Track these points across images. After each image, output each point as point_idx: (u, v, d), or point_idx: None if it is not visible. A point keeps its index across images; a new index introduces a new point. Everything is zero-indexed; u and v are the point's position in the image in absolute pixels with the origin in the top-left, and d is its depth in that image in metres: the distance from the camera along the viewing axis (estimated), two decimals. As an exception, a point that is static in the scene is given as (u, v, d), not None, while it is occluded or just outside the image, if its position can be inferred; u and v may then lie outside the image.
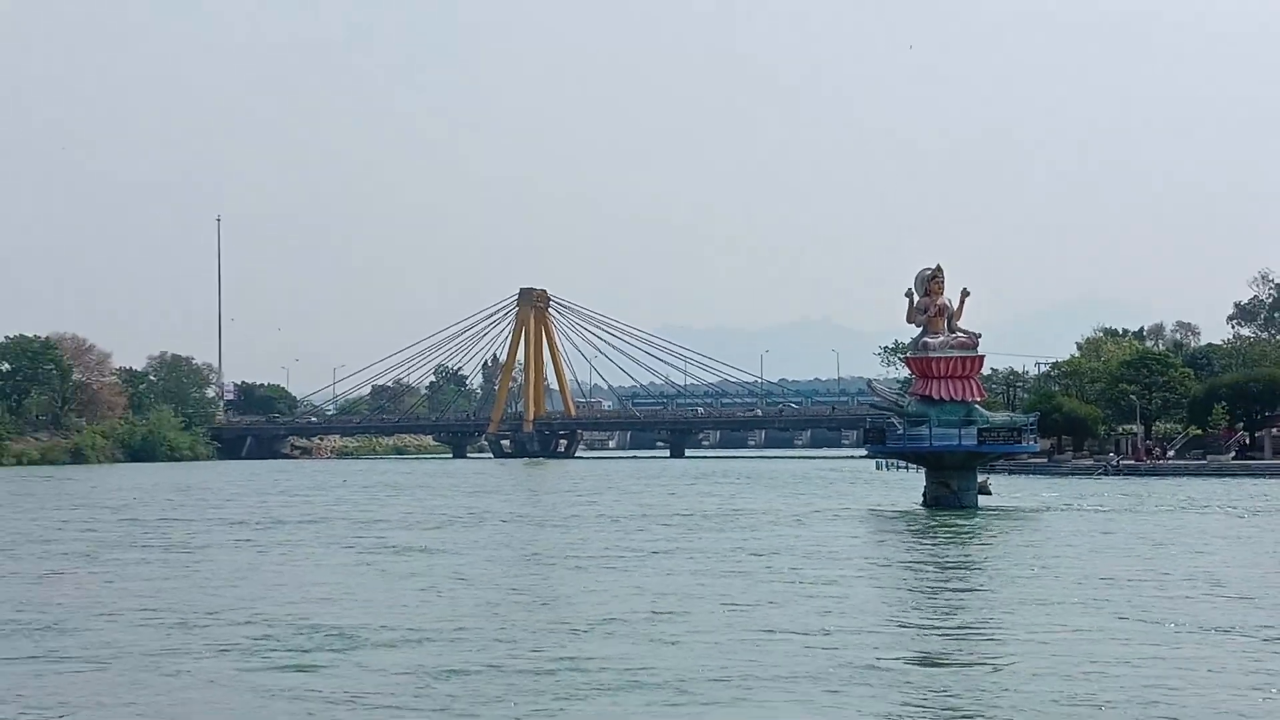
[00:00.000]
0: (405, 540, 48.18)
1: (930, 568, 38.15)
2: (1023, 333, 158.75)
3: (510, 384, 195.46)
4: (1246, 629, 24.75)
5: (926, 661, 22.23)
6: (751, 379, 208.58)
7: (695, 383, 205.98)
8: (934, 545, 45.15)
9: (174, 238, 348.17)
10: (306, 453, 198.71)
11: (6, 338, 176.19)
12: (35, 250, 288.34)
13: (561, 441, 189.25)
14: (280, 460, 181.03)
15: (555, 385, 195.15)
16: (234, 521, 58.64)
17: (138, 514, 64.28)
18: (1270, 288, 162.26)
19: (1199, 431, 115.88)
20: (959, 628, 26.46)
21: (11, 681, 20.96)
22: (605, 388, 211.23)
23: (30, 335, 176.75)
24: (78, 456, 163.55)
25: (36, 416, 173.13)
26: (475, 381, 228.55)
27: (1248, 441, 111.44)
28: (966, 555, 42.04)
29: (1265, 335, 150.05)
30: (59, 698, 19.94)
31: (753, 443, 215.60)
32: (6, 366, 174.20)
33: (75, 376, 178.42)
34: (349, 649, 23.09)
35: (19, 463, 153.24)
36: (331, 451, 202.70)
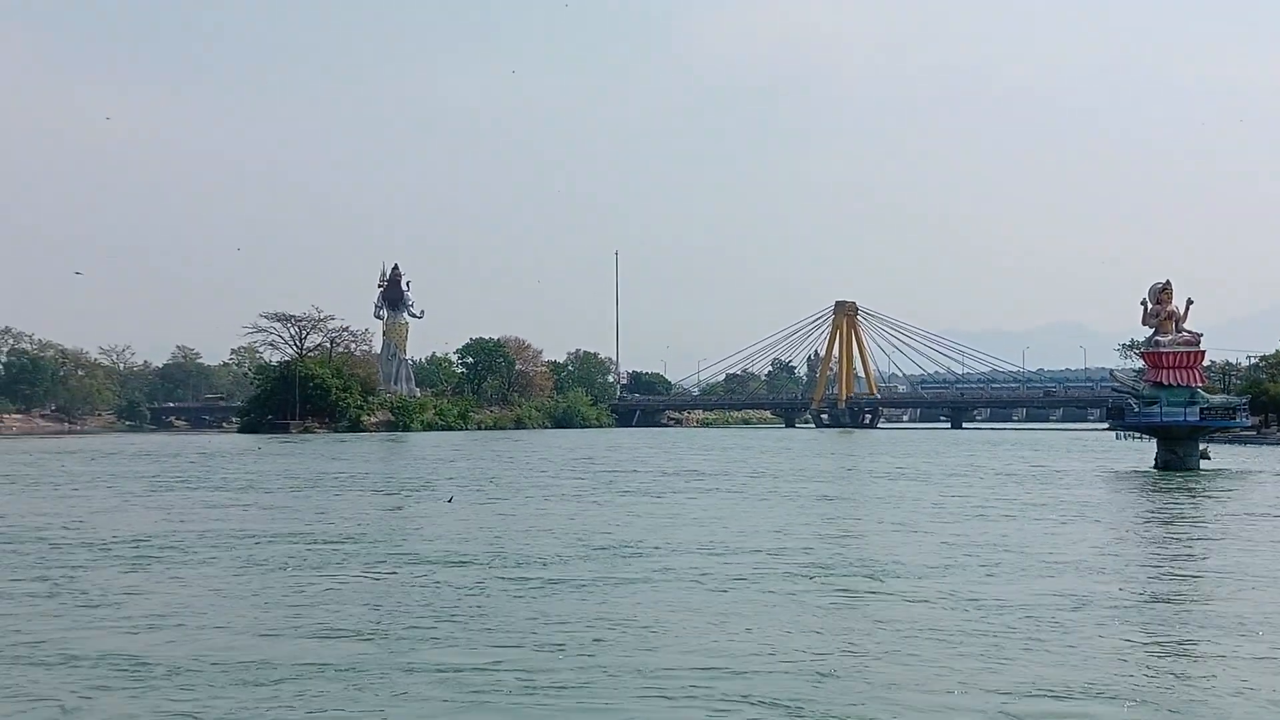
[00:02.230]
0: (808, 490, 46.79)
1: (1165, 514, 37.29)
2: (1236, 332, 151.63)
3: (828, 372, 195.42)
4: None
5: (1173, 587, 21.51)
6: (1015, 369, 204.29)
7: (970, 371, 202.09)
8: (1167, 497, 43.80)
9: (588, 262, 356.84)
10: (678, 422, 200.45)
11: (471, 339, 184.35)
12: (492, 274, 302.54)
13: (866, 416, 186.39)
14: (660, 428, 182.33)
15: (862, 373, 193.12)
16: (669, 473, 58.11)
17: (594, 467, 64.23)
18: None
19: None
20: (1193, 557, 26.04)
21: (644, 601, 19.48)
22: (900, 374, 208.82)
23: (487, 338, 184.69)
24: (519, 424, 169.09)
25: (490, 395, 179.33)
26: (801, 370, 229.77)
27: None
28: (1194, 504, 40.88)
29: None
30: (688, 609, 18.54)
31: (1016, 418, 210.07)
32: (471, 360, 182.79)
33: (518, 367, 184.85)
34: (878, 576, 21.95)
35: (479, 428, 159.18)
36: (696, 422, 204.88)
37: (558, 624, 17.06)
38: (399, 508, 39.08)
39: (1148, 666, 14.72)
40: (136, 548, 26.82)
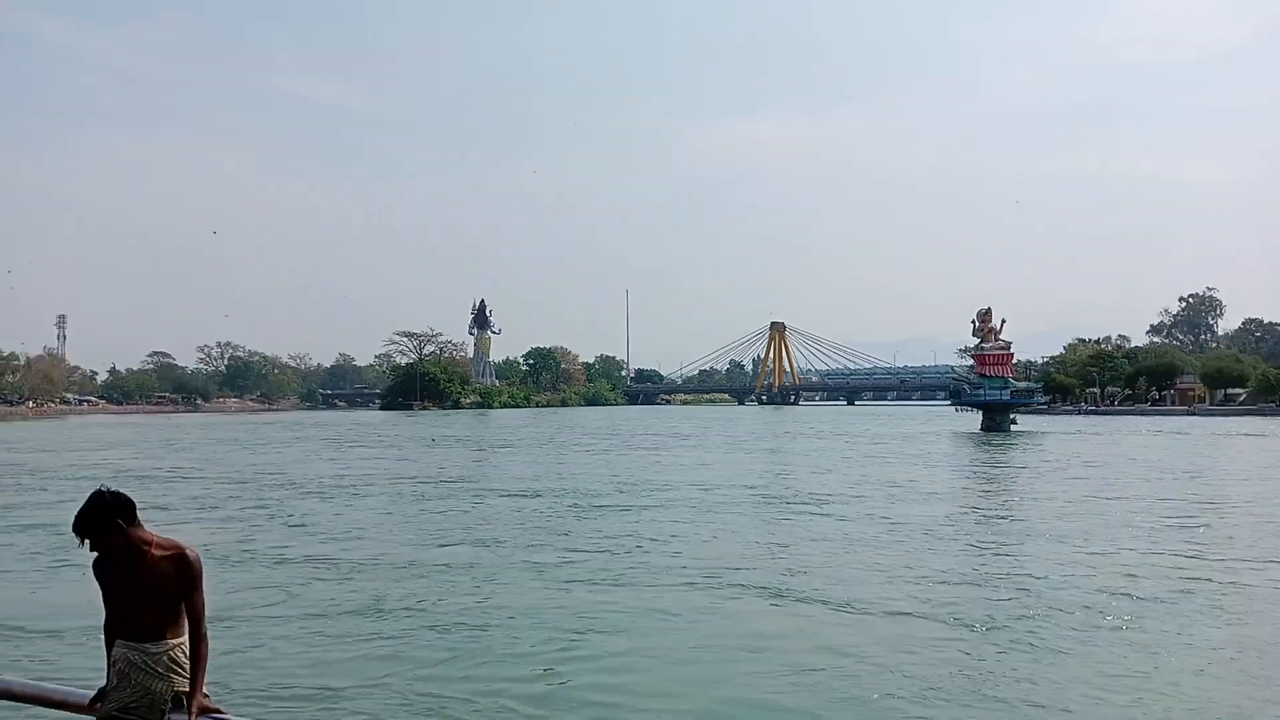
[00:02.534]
0: (763, 444, 45.79)
1: (988, 458, 37.86)
2: (1035, 341, 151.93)
3: (766, 368, 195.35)
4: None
5: (990, 509, 21.02)
6: (889, 365, 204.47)
7: (859, 367, 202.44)
8: (988, 448, 44.40)
9: (606, 297, 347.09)
10: (668, 402, 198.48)
11: (532, 348, 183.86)
12: (543, 296, 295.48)
13: (791, 397, 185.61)
14: (656, 406, 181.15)
15: (788, 368, 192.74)
16: (666, 435, 56.81)
17: (620, 431, 63.17)
18: (1169, 316, 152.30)
19: (1129, 392, 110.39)
20: (1005, 490, 25.82)
21: (664, 519, 18.68)
22: (813, 369, 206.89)
23: (542, 347, 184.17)
24: (563, 404, 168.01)
25: (544, 385, 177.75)
26: (748, 366, 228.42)
27: (1158, 397, 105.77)
28: (1007, 452, 41.42)
29: (1168, 341, 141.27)
30: (692, 525, 17.88)
31: (889, 398, 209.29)
32: (532, 362, 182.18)
33: (562, 366, 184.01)
34: (813, 503, 21.02)
35: (537, 406, 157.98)
36: (680, 401, 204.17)
37: (609, 536, 16.68)
38: (489, 459, 38.67)
39: (991, 557, 14.82)
40: (323, 487, 26.71)
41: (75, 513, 3.42)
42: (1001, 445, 46.45)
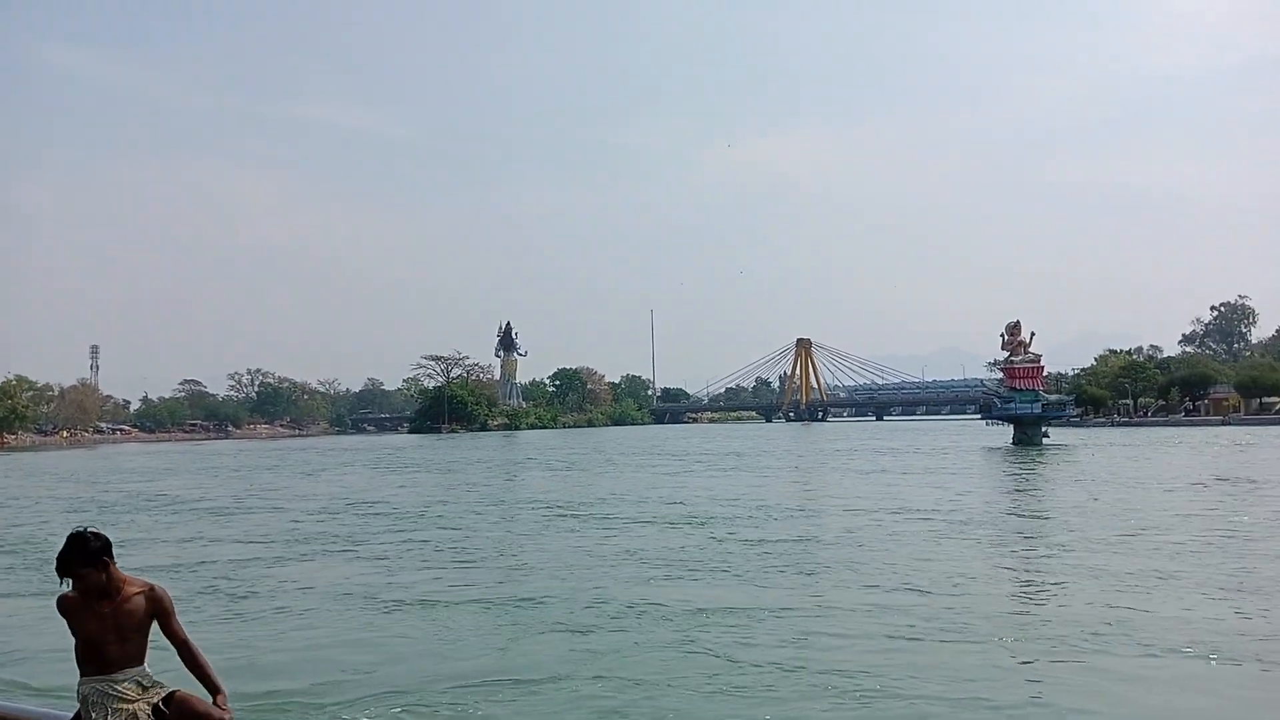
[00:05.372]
0: (814, 461, 44.25)
1: (1020, 469, 38.23)
2: (1064, 352, 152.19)
3: (793, 384, 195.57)
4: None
5: (1019, 510, 21.01)
6: (917, 380, 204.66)
7: (887, 382, 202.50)
8: (1021, 461, 44.52)
9: (630, 316, 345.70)
10: (694, 420, 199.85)
11: (558, 369, 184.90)
12: (568, 317, 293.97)
13: (819, 413, 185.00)
14: (683, 424, 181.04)
15: (815, 385, 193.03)
16: (719, 454, 55.36)
17: (669, 450, 62.10)
18: (1201, 325, 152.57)
19: (1163, 403, 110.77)
20: (1037, 495, 27.08)
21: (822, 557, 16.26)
22: (840, 385, 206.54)
23: (568, 368, 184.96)
24: (590, 424, 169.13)
25: (570, 405, 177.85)
26: (775, 383, 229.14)
27: (1192, 408, 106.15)
28: (1040, 464, 41.69)
29: (1200, 351, 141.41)
30: (823, 560, 15.94)
31: (919, 412, 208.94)
32: (558, 383, 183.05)
33: (589, 386, 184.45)
34: (862, 510, 20.05)
35: (564, 427, 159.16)
36: (707, 420, 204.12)
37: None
38: (569, 481, 36.59)
39: (1020, 558, 15.93)
40: (429, 514, 24.87)
41: (58, 553, 3.60)
42: (1033, 459, 46.27)
